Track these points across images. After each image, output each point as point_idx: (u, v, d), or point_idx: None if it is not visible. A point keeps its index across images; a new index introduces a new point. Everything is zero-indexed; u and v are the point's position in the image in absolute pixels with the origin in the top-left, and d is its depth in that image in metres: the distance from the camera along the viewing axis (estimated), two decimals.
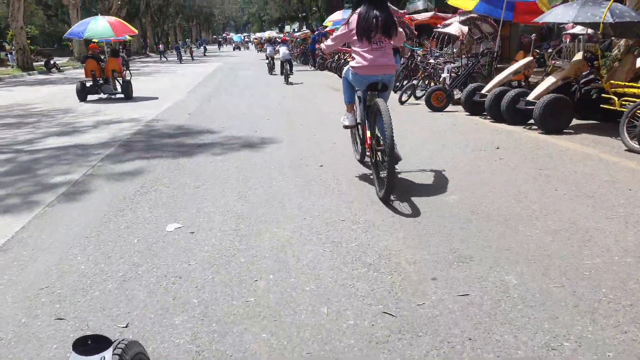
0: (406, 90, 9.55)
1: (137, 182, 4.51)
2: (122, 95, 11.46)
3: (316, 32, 24.19)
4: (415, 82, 9.94)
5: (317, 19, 37.54)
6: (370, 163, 4.28)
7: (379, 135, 3.91)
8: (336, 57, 16.81)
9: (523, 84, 7.80)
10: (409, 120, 7.61)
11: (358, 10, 4.02)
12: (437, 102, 8.48)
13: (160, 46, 40.03)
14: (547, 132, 6.22)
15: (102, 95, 11.70)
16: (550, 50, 11.23)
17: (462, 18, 10.65)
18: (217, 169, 4.90)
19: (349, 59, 4.54)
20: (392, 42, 4.06)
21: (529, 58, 7.81)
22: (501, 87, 7.31)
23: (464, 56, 9.99)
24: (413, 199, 3.80)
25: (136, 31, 12.89)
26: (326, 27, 21.05)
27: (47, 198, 4.11)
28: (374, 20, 3.91)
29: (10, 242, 3.19)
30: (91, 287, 2.55)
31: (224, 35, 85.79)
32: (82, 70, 12.99)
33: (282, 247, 2.98)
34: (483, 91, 7.62)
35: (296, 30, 47.15)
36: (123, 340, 1.17)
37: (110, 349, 1.01)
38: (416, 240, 3.02)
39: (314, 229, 3.25)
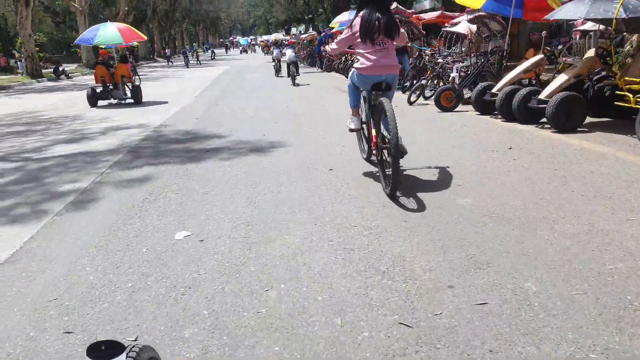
0: (415, 91, 9.45)
1: (146, 189, 4.47)
2: (132, 100, 11.55)
3: (323, 34, 24.16)
4: (424, 82, 9.84)
5: (323, 21, 37.48)
6: (376, 161, 4.39)
7: (384, 133, 4.06)
8: (343, 58, 16.76)
9: (534, 82, 7.66)
10: (418, 121, 7.52)
11: (361, 14, 4.17)
12: (447, 102, 8.37)
13: (167, 51, 40.24)
14: (561, 131, 6.10)
15: (112, 101, 11.78)
16: (560, 47, 11.09)
17: (471, 16, 10.55)
18: (225, 174, 4.85)
19: (355, 60, 4.60)
20: (394, 43, 4.21)
21: (540, 55, 7.68)
22: (512, 86, 7.17)
23: (472, 55, 9.86)
24: (425, 202, 3.72)
25: (145, 37, 12.94)
26: (332, 28, 20.97)
27: (56, 207, 4.09)
28: (377, 22, 4.07)
29: (19, 253, 3.16)
30: (100, 298, 2.51)
31: (231, 38, 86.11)
32: (91, 77, 13.08)
33: (293, 255, 2.91)
34: (493, 90, 7.48)
35: (302, 32, 47.13)
36: (136, 344, 1.19)
37: (124, 354, 1.02)
38: (430, 246, 2.94)
39: (325, 235, 3.18)
